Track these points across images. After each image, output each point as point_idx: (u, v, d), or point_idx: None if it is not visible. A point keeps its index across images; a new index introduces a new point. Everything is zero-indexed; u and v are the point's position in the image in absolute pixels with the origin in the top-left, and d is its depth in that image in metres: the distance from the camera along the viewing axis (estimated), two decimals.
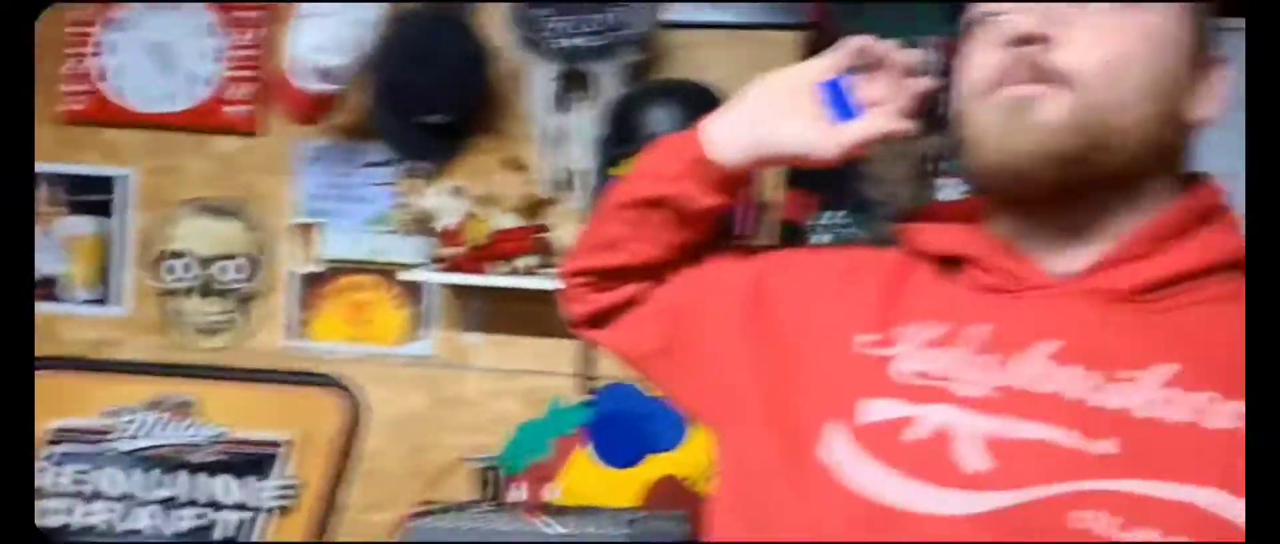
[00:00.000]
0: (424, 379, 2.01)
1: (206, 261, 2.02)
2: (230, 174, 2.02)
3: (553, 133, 1.87)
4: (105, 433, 2.03)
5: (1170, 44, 0.68)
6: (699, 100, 1.83)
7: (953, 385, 0.66)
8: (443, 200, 1.85)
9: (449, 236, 1.85)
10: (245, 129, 1.99)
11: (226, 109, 1.98)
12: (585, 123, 1.86)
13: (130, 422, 2.02)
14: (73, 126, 2.01)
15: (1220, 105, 0.72)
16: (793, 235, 1.73)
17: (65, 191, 2.02)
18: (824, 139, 0.76)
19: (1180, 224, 0.70)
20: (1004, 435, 0.63)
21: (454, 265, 1.84)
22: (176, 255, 2.02)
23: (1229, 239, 0.71)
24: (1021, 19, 0.66)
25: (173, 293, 2.02)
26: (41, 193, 2.01)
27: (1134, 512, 0.60)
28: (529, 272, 1.84)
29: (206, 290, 2.02)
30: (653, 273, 0.86)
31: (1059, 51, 0.66)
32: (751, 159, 0.79)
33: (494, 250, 1.84)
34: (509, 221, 1.87)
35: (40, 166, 2.00)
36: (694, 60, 1.88)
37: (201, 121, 1.98)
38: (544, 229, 1.91)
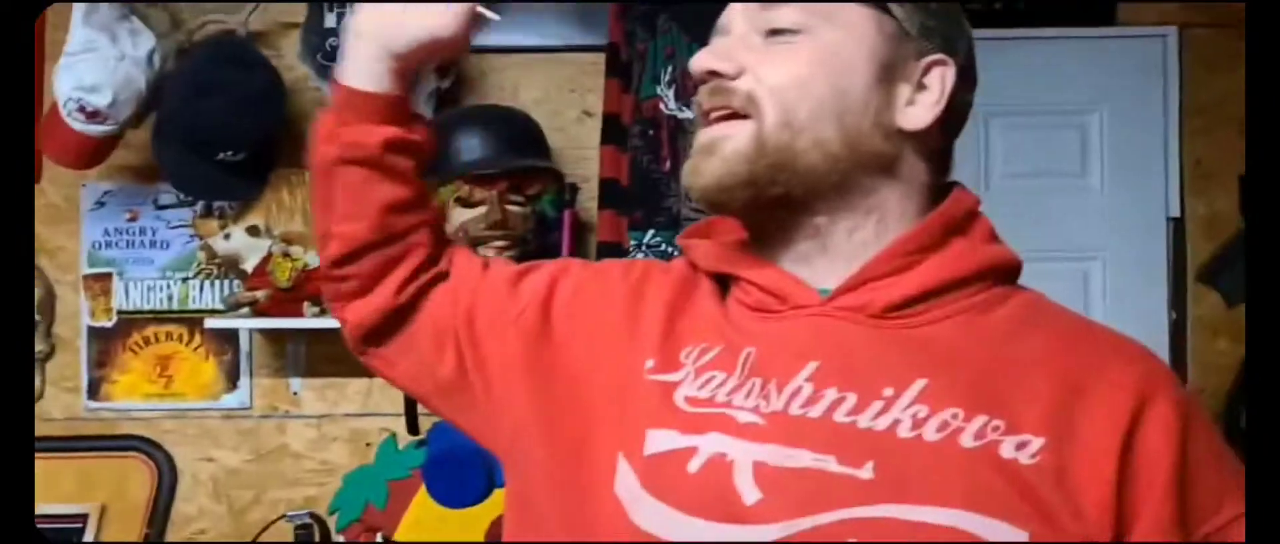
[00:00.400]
0: (242, 433, 1.88)
1: None
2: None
3: None
4: None
5: (853, 60, 0.69)
6: (510, 123, 1.79)
7: (727, 411, 0.66)
8: (242, 241, 1.74)
9: (256, 278, 1.74)
10: None
11: None
12: None
13: None
14: None
15: (937, 108, 0.72)
16: (611, 256, 1.70)
17: None
18: (442, 17, 0.76)
19: (929, 239, 0.70)
20: (771, 463, 0.63)
21: (261, 309, 1.73)
22: None
23: (978, 250, 0.72)
24: (702, 57, 0.71)
25: None
26: None
27: (891, 538, 0.61)
28: None
29: None
30: (392, 247, 0.80)
31: (739, 84, 0.70)
32: (387, 68, 0.76)
33: (307, 290, 1.74)
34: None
35: None
36: (503, 84, 1.84)
37: None
38: None
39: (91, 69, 1.57)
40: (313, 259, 1.76)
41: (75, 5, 1.63)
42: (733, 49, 0.70)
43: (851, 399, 0.64)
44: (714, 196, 0.70)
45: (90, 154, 1.65)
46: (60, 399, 1.86)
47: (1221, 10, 1.92)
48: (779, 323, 0.69)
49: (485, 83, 1.86)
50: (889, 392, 0.64)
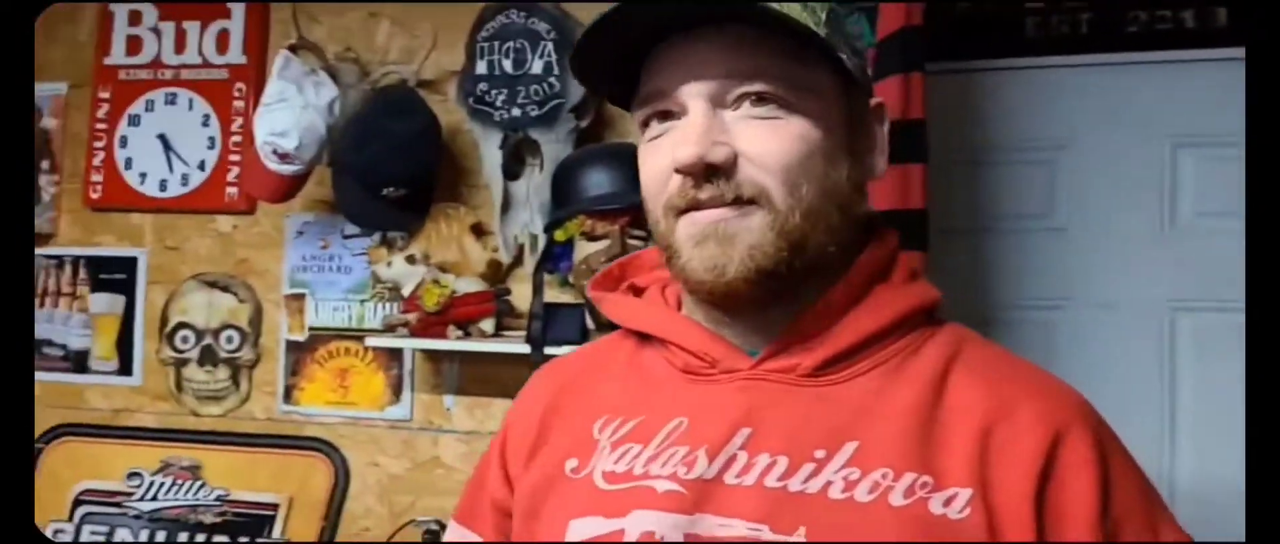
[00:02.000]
0: (403, 442, 2.06)
1: (206, 333, 2.16)
2: (228, 250, 2.17)
3: (506, 199, 1.92)
4: (127, 495, 2.18)
5: (832, 127, 0.68)
6: (635, 161, 1.84)
7: (646, 483, 0.66)
8: (401, 268, 1.92)
9: (408, 302, 1.92)
10: (241, 208, 2.14)
11: (225, 191, 2.14)
12: (534, 189, 1.91)
13: (145, 484, 2.17)
14: (95, 212, 2.22)
15: (885, 153, 0.71)
16: None
17: (89, 272, 2.22)
18: None
19: (854, 292, 0.69)
20: (701, 535, 0.63)
21: (413, 331, 1.90)
22: (182, 327, 2.17)
23: (901, 297, 0.70)
24: (690, 149, 0.65)
25: (179, 363, 2.18)
26: (66, 275, 2.22)
27: None
28: (491, 334, 1.88)
29: (207, 360, 2.16)
30: None
31: (738, 174, 0.66)
32: None
33: (453, 314, 1.89)
34: (471, 286, 1.92)
35: (67, 250, 2.22)
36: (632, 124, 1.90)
37: (202, 204, 2.15)
38: (504, 292, 1.95)
39: (281, 117, 1.83)
40: (461, 286, 1.91)
41: (275, 61, 1.91)
42: (713, 132, 0.66)
43: (783, 463, 0.64)
44: (739, 289, 0.66)
45: (283, 190, 1.91)
46: (262, 401, 2.14)
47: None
48: (709, 386, 0.69)
49: (623, 121, 1.93)
50: (821, 454, 0.63)
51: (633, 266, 0.80)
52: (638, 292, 0.78)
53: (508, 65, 1.88)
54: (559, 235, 1.78)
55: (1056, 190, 1.87)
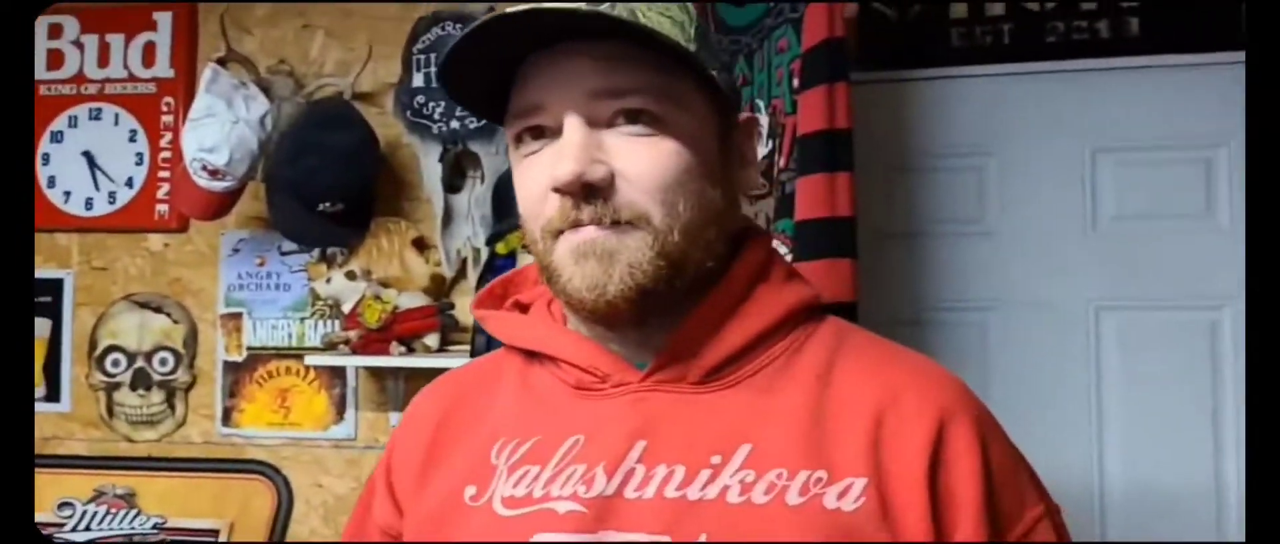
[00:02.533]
0: (348, 461, 2.03)
1: (138, 355, 2.10)
2: (161, 270, 2.11)
3: (447, 212, 1.91)
4: (58, 526, 2.11)
5: (706, 142, 0.68)
6: None
7: (547, 505, 0.66)
8: (341, 284, 1.89)
9: (350, 319, 1.90)
10: (172, 226, 2.09)
11: (155, 208, 2.08)
12: (475, 201, 1.90)
13: (78, 514, 2.10)
14: None
15: (756, 167, 0.73)
16: None
17: None
18: None
19: (734, 297, 0.70)
20: None
21: (355, 348, 1.88)
22: (112, 350, 2.11)
23: (781, 296, 0.71)
24: (569, 167, 0.64)
25: (110, 387, 2.11)
26: None
27: None
28: (436, 349, 1.87)
29: (140, 383, 2.10)
30: None
31: (616, 195, 0.65)
32: None
33: (396, 330, 1.87)
34: (414, 301, 1.91)
35: None
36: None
37: (131, 222, 2.09)
38: (448, 307, 1.94)
39: (210, 132, 1.79)
40: (403, 301, 1.89)
41: (203, 75, 1.87)
42: (589, 150, 0.65)
43: (680, 472, 0.64)
44: (619, 307, 0.65)
45: (215, 207, 1.87)
46: (199, 425, 2.09)
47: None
48: (601, 401, 0.69)
49: None
50: (716, 459, 0.64)
51: (515, 283, 0.79)
52: (523, 308, 0.77)
53: None
54: (501, 248, 1.78)
55: (985, 195, 1.93)
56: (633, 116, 0.65)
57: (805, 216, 1.43)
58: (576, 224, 0.65)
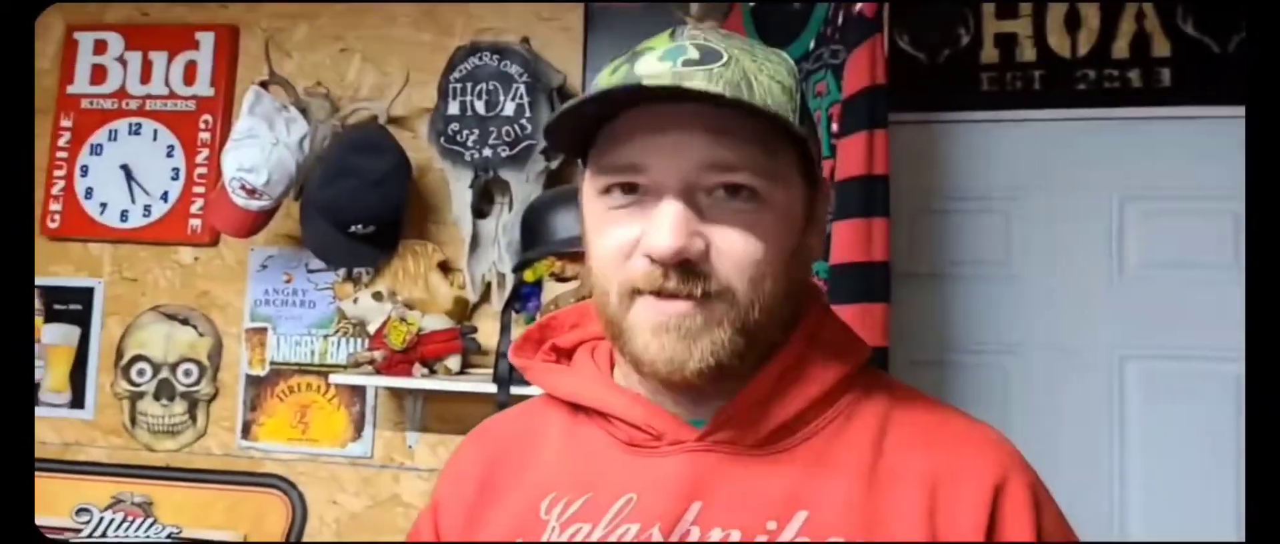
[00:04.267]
0: (363, 479, 2.04)
1: (164, 366, 2.13)
2: (189, 283, 2.14)
3: (474, 237, 1.93)
4: (75, 531, 2.12)
5: (795, 219, 0.68)
6: None
7: None
8: (368, 304, 1.91)
9: (375, 339, 1.91)
10: (203, 241, 2.12)
11: (188, 223, 2.11)
12: (502, 227, 1.92)
13: (95, 521, 2.11)
14: (52, 241, 2.18)
15: (823, 234, 0.73)
16: None
17: (43, 302, 2.17)
18: None
19: (795, 359, 0.69)
20: None
21: (379, 368, 1.89)
22: (138, 360, 2.14)
23: (839, 358, 0.70)
24: (669, 242, 0.62)
25: (134, 396, 2.14)
26: None
27: None
28: (457, 372, 1.88)
29: (163, 393, 2.12)
30: None
31: (709, 268, 0.64)
32: None
33: (419, 352, 1.89)
34: (438, 324, 1.92)
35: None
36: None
37: (164, 235, 2.13)
38: (470, 330, 1.95)
39: (251, 153, 1.82)
40: (427, 324, 1.91)
41: (246, 97, 1.91)
42: (690, 223, 0.63)
43: (736, 536, 0.64)
44: (694, 382, 0.65)
45: (250, 225, 1.90)
46: (219, 437, 2.11)
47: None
48: (655, 460, 0.68)
49: None
50: (773, 525, 0.64)
51: (552, 328, 0.78)
52: (562, 353, 0.77)
53: (480, 106, 1.90)
54: (528, 276, 1.80)
55: (1011, 238, 1.93)
56: (733, 190, 0.64)
57: (841, 260, 1.43)
58: (661, 293, 0.64)
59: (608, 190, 0.66)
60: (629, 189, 0.65)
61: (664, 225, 0.62)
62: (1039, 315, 1.89)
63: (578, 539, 0.66)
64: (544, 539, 0.67)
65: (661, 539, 0.64)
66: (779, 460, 0.67)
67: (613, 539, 0.65)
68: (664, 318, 0.64)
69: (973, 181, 1.94)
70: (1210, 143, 1.83)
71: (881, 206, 1.42)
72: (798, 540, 0.63)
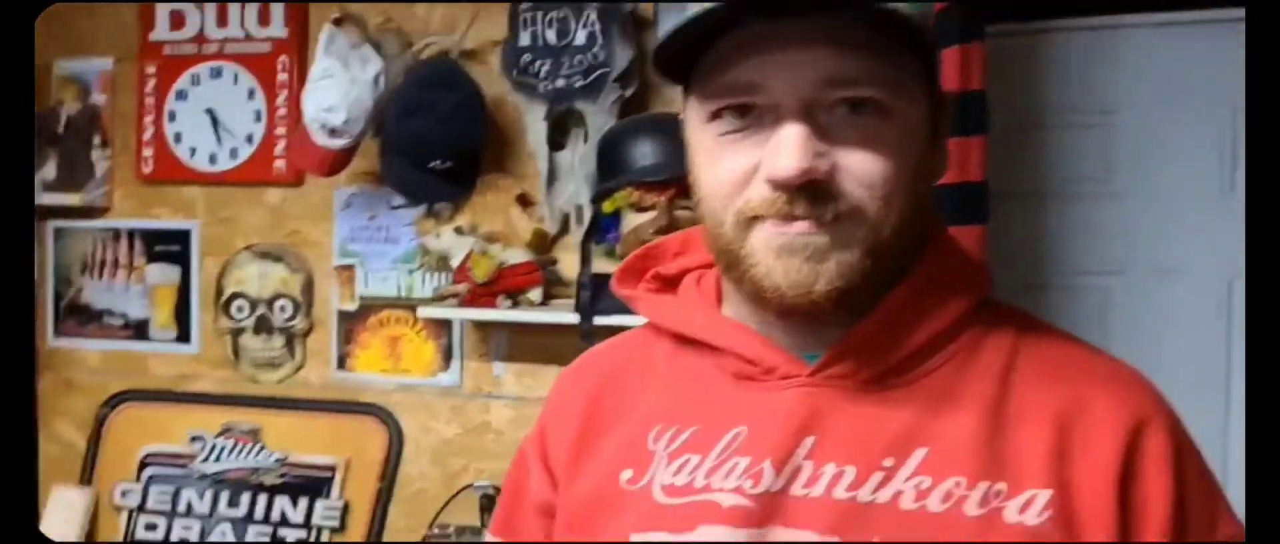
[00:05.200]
0: (454, 408, 2.11)
1: (260, 303, 2.21)
2: (279, 222, 2.20)
3: (551, 170, 1.92)
4: (191, 457, 2.26)
5: (919, 133, 0.65)
6: (680, 131, 1.83)
7: (709, 496, 0.64)
8: (450, 239, 1.94)
9: (459, 273, 1.94)
10: (289, 181, 2.16)
11: (273, 164, 2.16)
12: (579, 159, 1.90)
13: (208, 447, 2.25)
14: (148, 186, 2.26)
15: (947, 158, 0.69)
16: None
17: (145, 244, 2.27)
18: None
19: (917, 293, 0.66)
20: None
21: (464, 301, 1.93)
22: (236, 297, 2.22)
23: (962, 292, 0.67)
24: (792, 164, 0.60)
25: (235, 331, 2.23)
26: (123, 246, 2.27)
27: None
28: (539, 303, 1.90)
29: (262, 328, 2.21)
30: None
31: (837, 189, 0.61)
32: None
33: (502, 285, 1.91)
34: (518, 257, 1.94)
35: (122, 223, 2.26)
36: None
37: (251, 177, 2.18)
38: (551, 262, 1.96)
39: (329, 93, 1.83)
40: (509, 257, 1.93)
41: (320, 36, 1.91)
42: (812, 143, 0.60)
43: (851, 473, 0.62)
44: (823, 306, 0.62)
45: (331, 164, 1.93)
46: (316, 369, 2.20)
47: None
48: (765, 393, 0.66)
49: (668, 90, 1.91)
50: (889, 462, 0.62)
51: (654, 256, 0.76)
52: (665, 282, 0.75)
53: (551, 36, 1.86)
54: (607, 207, 1.78)
55: (1113, 154, 1.83)
56: (857, 105, 0.61)
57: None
58: (787, 218, 0.61)
59: (717, 115, 0.63)
60: (741, 112, 0.62)
61: (788, 148, 0.60)
62: (1144, 235, 1.80)
63: (686, 471, 0.65)
64: (652, 470, 0.66)
65: (773, 473, 0.62)
66: (897, 396, 0.64)
67: (722, 472, 0.64)
68: (788, 240, 0.61)
69: (1073, 95, 1.83)
70: None
71: (979, 124, 1.36)
72: (916, 478, 0.61)
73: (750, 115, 0.62)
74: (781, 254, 0.62)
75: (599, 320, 1.78)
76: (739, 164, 0.62)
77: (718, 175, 0.64)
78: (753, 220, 0.62)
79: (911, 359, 0.65)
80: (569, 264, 1.95)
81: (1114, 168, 1.83)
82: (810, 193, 0.60)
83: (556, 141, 1.92)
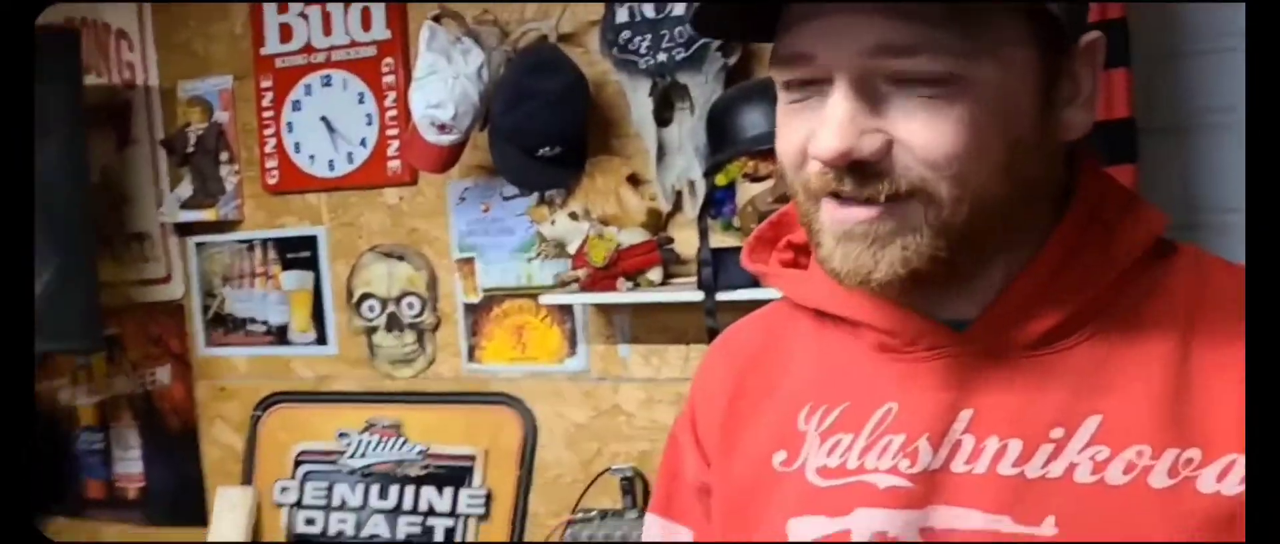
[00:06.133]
0: (584, 393, 2.13)
1: (389, 301, 2.28)
2: (398, 222, 2.25)
3: (660, 147, 1.89)
4: (339, 453, 2.37)
5: (1019, 101, 0.57)
6: None
7: (864, 477, 0.61)
8: (565, 225, 1.94)
9: (577, 259, 1.94)
10: (404, 180, 2.21)
11: (387, 165, 2.21)
12: (687, 133, 1.86)
13: (354, 443, 2.35)
14: (274, 196, 2.35)
15: (1096, 98, 0.61)
16: None
17: (277, 252, 2.36)
18: None
19: (1070, 250, 0.60)
20: (937, 529, 0.59)
21: (584, 286, 1.93)
22: (366, 297, 2.30)
23: (1124, 242, 0.60)
24: (832, 144, 0.55)
25: (369, 330, 2.31)
26: (257, 256, 2.38)
27: None
28: (660, 283, 1.89)
29: (393, 326, 2.28)
30: None
31: (894, 166, 0.56)
32: None
33: (620, 267, 1.90)
34: (634, 237, 1.92)
35: (256, 234, 2.36)
36: None
37: (368, 179, 2.23)
38: (667, 241, 1.94)
39: (435, 89, 1.85)
40: (625, 238, 1.91)
41: (421, 33, 1.92)
42: (860, 120, 0.56)
43: (1016, 446, 0.57)
44: (888, 292, 0.60)
45: (444, 161, 1.95)
46: (448, 362, 2.25)
47: None
48: (913, 365, 0.62)
49: (764, 57, 1.84)
50: (1058, 433, 0.57)
51: (785, 224, 0.72)
52: (800, 249, 0.71)
53: (648, 10, 1.82)
54: (720, 179, 1.75)
55: None
56: (920, 75, 0.55)
57: None
58: (839, 197, 0.58)
59: (787, 85, 0.61)
60: (803, 82, 0.59)
61: (829, 126, 0.56)
62: None
63: (839, 451, 0.62)
64: (805, 451, 0.64)
65: (930, 450, 0.59)
66: (1062, 359, 0.59)
67: (876, 451, 0.61)
68: (847, 225, 0.58)
69: (1221, 17, 1.66)
70: None
71: (1120, 55, 1.26)
72: (1091, 449, 0.56)
73: (811, 86, 0.58)
74: (841, 239, 0.59)
75: (722, 296, 1.75)
76: (798, 138, 0.60)
77: (783, 147, 0.62)
78: (817, 195, 0.60)
79: (1074, 319, 0.59)
80: (685, 241, 1.92)
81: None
82: (860, 172, 0.56)
83: (662, 117, 1.89)
